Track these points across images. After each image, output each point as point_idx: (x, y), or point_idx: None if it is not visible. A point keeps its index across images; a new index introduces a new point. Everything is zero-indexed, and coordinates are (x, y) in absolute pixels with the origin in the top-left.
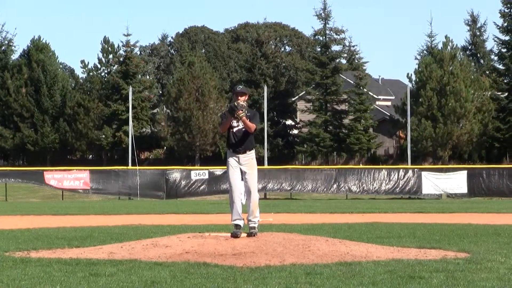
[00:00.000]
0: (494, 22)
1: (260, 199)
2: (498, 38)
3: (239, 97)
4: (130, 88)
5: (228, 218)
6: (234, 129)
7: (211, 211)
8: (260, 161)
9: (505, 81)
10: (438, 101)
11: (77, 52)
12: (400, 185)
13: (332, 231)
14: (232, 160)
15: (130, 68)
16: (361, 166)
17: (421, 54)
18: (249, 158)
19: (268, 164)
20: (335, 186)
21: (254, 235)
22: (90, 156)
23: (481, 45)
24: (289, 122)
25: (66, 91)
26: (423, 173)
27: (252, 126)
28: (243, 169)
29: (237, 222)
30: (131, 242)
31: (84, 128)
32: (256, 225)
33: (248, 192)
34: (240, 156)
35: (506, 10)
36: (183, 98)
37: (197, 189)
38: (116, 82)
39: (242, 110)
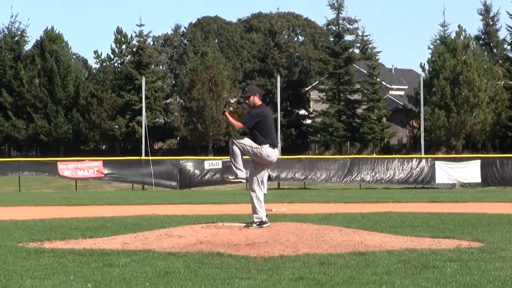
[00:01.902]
0: (507, 12)
1: (274, 189)
2: (511, 27)
3: (247, 100)
4: (143, 79)
5: (241, 208)
6: None
7: (225, 201)
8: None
9: None
10: (451, 91)
11: (90, 43)
12: (414, 175)
13: (346, 221)
14: None
15: (143, 59)
16: (374, 155)
17: (434, 43)
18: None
19: (282, 154)
20: (348, 175)
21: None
22: (104, 146)
23: (494, 34)
24: (302, 112)
25: (79, 82)
26: (437, 163)
27: (234, 123)
28: None
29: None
30: (145, 232)
31: (98, 118)
32: (253, 222)
33: None
34: None
35: None
36: (196, 88)
37: (210, 179)
38: (129, 73)
39: (226, 107)
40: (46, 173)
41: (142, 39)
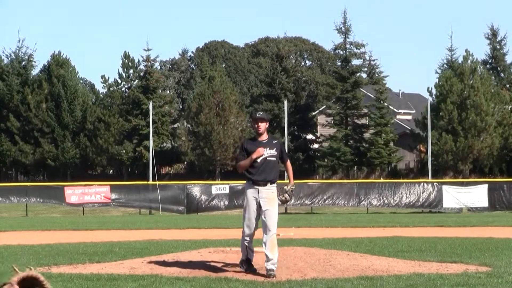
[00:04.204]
0: None
1: (281, 213)
2: None
3: (263, 123)
4: (151, 103)
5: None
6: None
7: (232, 226)
8: (281, 176)
9: None
10: (459, 115)
11: (97, 67)
12: (421, 199)
13: (353, 245)
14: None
15: (151, 83)
16: (382, 180)
17: (442, 68)
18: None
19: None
20: (356, 200)
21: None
22: (111, 171)
23: (501, 58)
24: (309, 136)
25: (87, 106)
26: (444, 187)
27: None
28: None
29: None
30: (152, 257)
31: (105, 143)
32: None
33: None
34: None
35: None
36: (204, 113)
37: (217, 204)
38: (137, 97)
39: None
40: (53, 200)
41: (149, 63)
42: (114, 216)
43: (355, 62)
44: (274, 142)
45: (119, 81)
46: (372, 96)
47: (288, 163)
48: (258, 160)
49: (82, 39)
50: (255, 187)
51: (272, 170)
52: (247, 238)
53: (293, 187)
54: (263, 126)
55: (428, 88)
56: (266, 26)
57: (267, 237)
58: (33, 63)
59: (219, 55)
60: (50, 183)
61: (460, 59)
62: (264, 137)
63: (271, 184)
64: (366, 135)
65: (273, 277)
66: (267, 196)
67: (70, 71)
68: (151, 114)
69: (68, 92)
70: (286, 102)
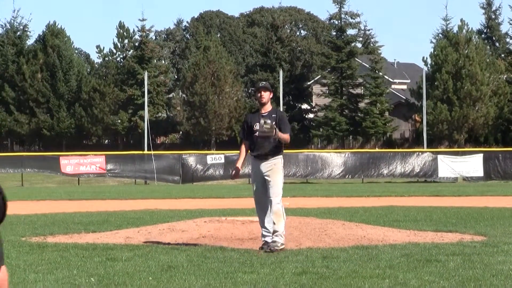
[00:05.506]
0: (510, 5)
1: None
2: None
3: (266, 93)
4: (146, 73)
5: (243, 202)
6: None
7: (227, 196)
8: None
9: None
10: (454, 85)
11: (92, 38)
12: (416, 169)
13: (349, 215)
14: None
15: (146, 53)
16: (377, 149)
17: (437, 37)
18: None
19: (284, 149)
20: (351, 170)
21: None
22: (106, 141)
23: (496, 28)
24: (304, 106)
25: (82, 76)
26: (439, 157)
27: (286, 138)
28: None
29: None
30: (148, 226)
31: (100, 113)
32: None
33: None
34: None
35: None
36: (199, 83)
37: (213, 174)
38: (132, 67)
39: (270, 131)
40: (49, 170)
41: (144, 33)
42: (109, 186)
43: (350, 32)
44: (273, 115)
45: (114, 51)
46: (367, 65)
47: (287, 136)
48: (257, 134)
49: (77, 9)
50: (257, 160)
51: (269, 144)
52: (259, 216)
53: (277, 133)
54: (266, 95)
55: (423, 57)
56: None
57: (270, 208)
58: (28, 33)
59: (214, 25)
60: (45, 153)
61: (455, 29)
62: (268, 108)
63: (272, 156)
64: (361, 105)
65: (276, 249)
66: (269, 168)
67: (65, 41)
68: (146, 84)
69: (63, 62)
70: (281, 72)
